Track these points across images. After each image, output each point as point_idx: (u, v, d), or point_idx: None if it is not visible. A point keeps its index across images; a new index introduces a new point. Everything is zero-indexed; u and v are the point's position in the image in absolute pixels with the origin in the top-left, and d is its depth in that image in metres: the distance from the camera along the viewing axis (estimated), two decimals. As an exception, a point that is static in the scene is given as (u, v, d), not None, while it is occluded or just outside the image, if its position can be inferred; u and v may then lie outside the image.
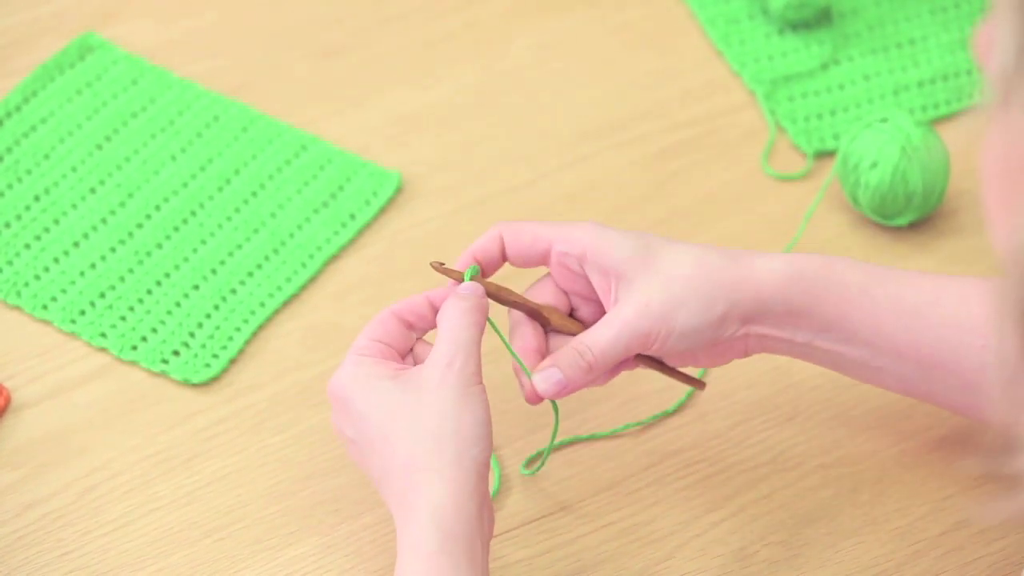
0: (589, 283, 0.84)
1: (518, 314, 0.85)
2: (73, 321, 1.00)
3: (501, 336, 0.84)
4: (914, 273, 0.83)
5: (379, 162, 1.08)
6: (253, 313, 1.01)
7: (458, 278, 0.83)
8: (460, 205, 1.06)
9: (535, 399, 0.83)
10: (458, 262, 0.85)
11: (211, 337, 1.00)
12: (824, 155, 1.09)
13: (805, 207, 1.06)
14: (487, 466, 0.79)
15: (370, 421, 0.80)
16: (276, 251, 1.04)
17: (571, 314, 0.86)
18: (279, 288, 1.02)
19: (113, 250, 1.03)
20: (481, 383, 0.80)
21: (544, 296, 0.86)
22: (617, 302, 0.82)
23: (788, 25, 1.14)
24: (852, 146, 1.03)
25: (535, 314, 0.84)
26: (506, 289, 0.84)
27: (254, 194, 1.06)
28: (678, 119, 1.10)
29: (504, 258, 0.85)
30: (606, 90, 1.12)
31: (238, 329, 1.00)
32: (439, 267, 0.83)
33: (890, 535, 0.91)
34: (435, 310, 0.84)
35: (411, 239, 1.05)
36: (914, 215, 1.03)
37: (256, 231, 1.05)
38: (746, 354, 0.85)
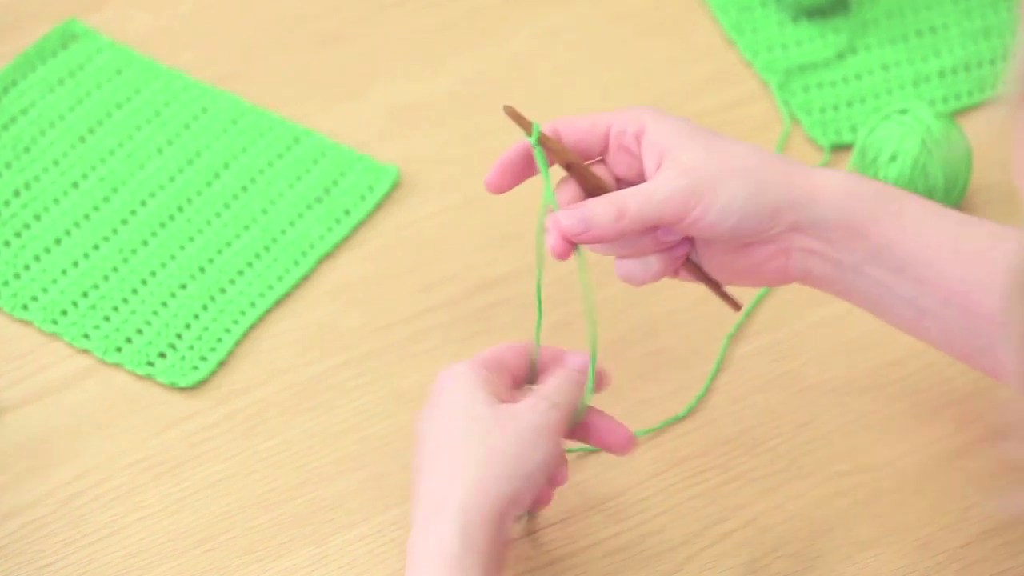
0: (643, 168, 0.84)
1: (570, 182, 0.84)
2: (54, 322, 1.00)
3: (545, 173, 0.82)
4: (974, 218, 0.82)
5: (375, 156, 1.08)
6: (243, 313, 1.01)
7: (526, 126, 0.82)
8: (460, 201, 1.06)
9: (557, 242, 0.81)
10: (496, 165, 0.84)
11: (199, 339, 1.00)
12: (841, 148, 1.09)
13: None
14: (523, 506, 0.81)
15: (441, 423, 0.82)
16: (267, 248, 1.04)
17: None
18: (270, 287, 1.02)
19: (96, 247, 1.03)
20: (562, 440, 0.83)
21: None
22: (657, 173, 0.82)
23: (803, 12, 1.14)
24: (870, 139, 1.03)
25: (593, 184, 0.83)
26: (570, 152, 0.83)
27: (244, 189, 1.06)
28: (687, 110, 1.10)
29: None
30: (612, 80, 1.12)
31: (228, 330, 1.00)
32: (510, 110, 0.82)
33: (910, 547, 0.91)
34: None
35: (409, 236, 1.05)
36: (934, 211, 1.04)
37: (247, 228, 1.05)
38: (785, 277, 0.83)
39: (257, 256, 1.04)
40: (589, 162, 0.84)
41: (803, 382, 0.98)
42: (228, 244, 1.04)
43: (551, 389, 0.84)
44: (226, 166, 1.07)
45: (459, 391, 0.83)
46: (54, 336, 1.00)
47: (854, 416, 0.96)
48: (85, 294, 1.01)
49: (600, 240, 0.82)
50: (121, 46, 1.12)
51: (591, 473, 0.94)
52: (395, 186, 1.07)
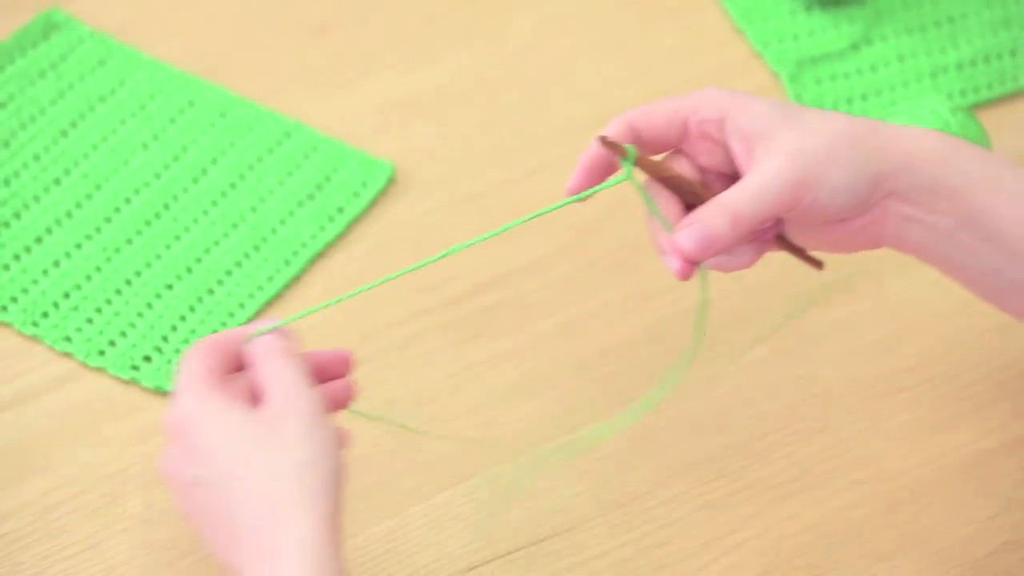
0: (727, 155, 0.83)
1: (660, 193, 0.84)
2: (35, 324, 1.00)
3: (647, 199, 0.83)
4: None
5: (369, 151, 1.08)
6: (232, 315, 1.01)
7: (622, 153, 0.82)
8: (457, 197, 1.06)
9: (682, 266, 0.81)
10: (579, 168, 0.83)
11: (186, 342, 0.99)
12: None
13: (834, 200, 1.05)
14: (341, 503, 0.79)
15: (219, 458, 0.78)
16: (257, 248, 1.04)
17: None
18: (260, 288, 1.02)
19: (79, 246, 1.03)
20: (330, 420, 0.80)
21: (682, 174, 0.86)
22: (760, 160, 0.81)
23: (816, 1, 1.14)
24: None
25: (690, 192, 0.83)
26: (666, 166, 0.83)
27: (233, 185, 1.06)
28: None
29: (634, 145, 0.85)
30: (617, 71, 1.13)
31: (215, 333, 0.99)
32: (606, 141, 0.82)
33: (929, 558, 0.91)
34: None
35: (404, 234, 1.05)
36: (953, 208, 1.03)
37: (235, 226, 1.05)
38: (878, 242, 0.83)
39: (246, 255, 1.04)
40: (666, 153, 0.84)
41: (817, 387, 0.98)
42: (216, 243, 1.04)
43: (278, 382, 0.80)
44: (214, 161, 1.07)
45: (212, 423, 0.79)
46: (34, 339, 1.00)
47: (870, 423, 0.96)
48: (67, 295, 1.01)
49: (722, 252, 0.81)
50: (104, 36, 1.12)
51: (594, 482, 0.94)
52: (390, 182, 1.07)
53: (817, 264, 0.87)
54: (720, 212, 0.80)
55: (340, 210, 1.05)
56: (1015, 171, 0.81)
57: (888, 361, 0.98)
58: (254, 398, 0.81)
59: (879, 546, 0.91)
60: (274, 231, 1.04)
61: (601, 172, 0.83)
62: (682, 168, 0.84)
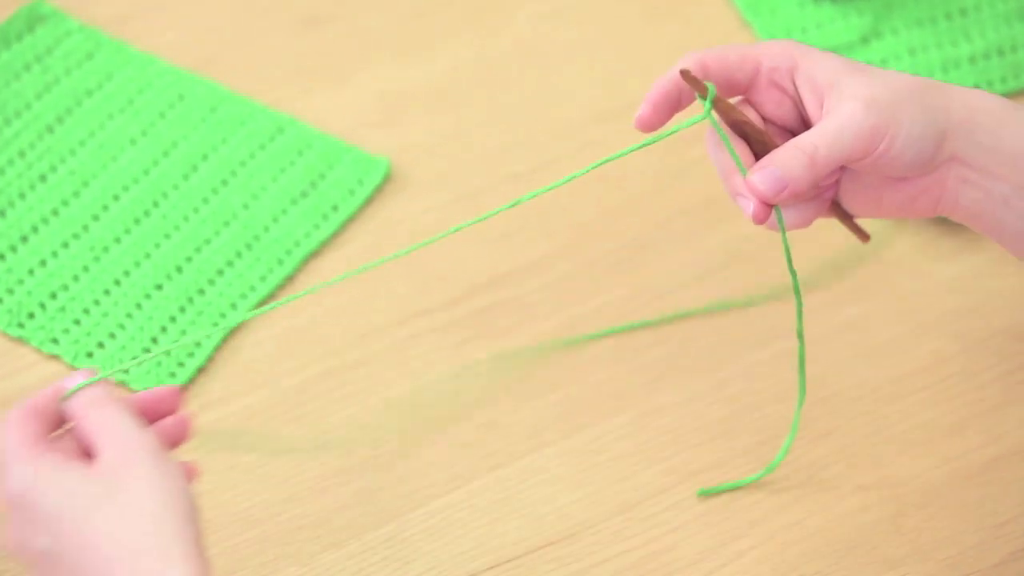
0: (793, 106, 0.84)
1: (731, 136, 0.84)
2: (21, 325, 1.00)
3: (725, 139, 0.83)
4: None
5: (365, 147, 1.08)
6: (223, 316, 1.01)
7: (702, 90, 0.82)
8: (456, 195, 1.06)
9: (757, 208, 0.82)
10: (647, 100, 0.83)
11: (176, 343, 0.97)
12: None
13: (842, 197, 1.05)
14: (200, 536, 0.76)
15: (64, 525, 0.76)
16: (249, 247, 1.04)
17: None
18: (252, 288, 1.02)
19: (65, 245, 1.03)
20: (164, 453, 0.78)
21: None
22: (834, 106, 0.82)
23: None
24: None
25: (762, 140, 0.84)
26: (740, 111, 0.83)
27: (224, 182, 1.06)
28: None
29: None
30: (619, 65, 1.12)
31: (206, 335, 0.98)
32: (687, 74, 0.82)
33: (939, 566, 0.91)
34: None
35: (401, 234, 1.05)
36: (965, 205, 1.02)
37: (226, 224, 1.04)
38: (936, 207, 0.84)
39: (238, 255, 1.03)
40: (734, 100, 0.84)
41: (824, 390, 0.97)
42: (207, 242, 1.04)
43: (104, 430, 0.78)
44: (204, 158, 1.07)
45: (51, 487, 0.76)
46: (20, 341, 1.00)
47: (878, 427, 0.96)
48: (54, 295, 1.01)
49: (797, 196, 0.82)
50: (91, 29, 1.12)
51: (595, 487, 0.94)
52: (386, 179, 1.07)
53: (864, 235, 0.87)
54: (797, 153, 0.80)
55: (335, 208, 1.05)
56: None
57: (897, 363, 0.98)
58: (86, 454, 0.78)
59: (887, 553, 0.91)
60: (267, 230, 1.04)
61: (670, 108, 0.84)
62: (752, 117, 0.84)
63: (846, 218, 0.86)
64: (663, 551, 0.91)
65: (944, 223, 1.04)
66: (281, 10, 1.14)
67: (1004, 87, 1.11)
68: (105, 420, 0.78)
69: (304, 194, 1.05)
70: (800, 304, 0.86)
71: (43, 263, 1.02)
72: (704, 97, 0.82)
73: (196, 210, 1.04)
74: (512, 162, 1.07)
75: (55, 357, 0.98)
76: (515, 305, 1.01)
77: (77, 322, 1.00)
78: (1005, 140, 0.81)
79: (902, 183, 0.82)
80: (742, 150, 0.83)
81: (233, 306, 1.01)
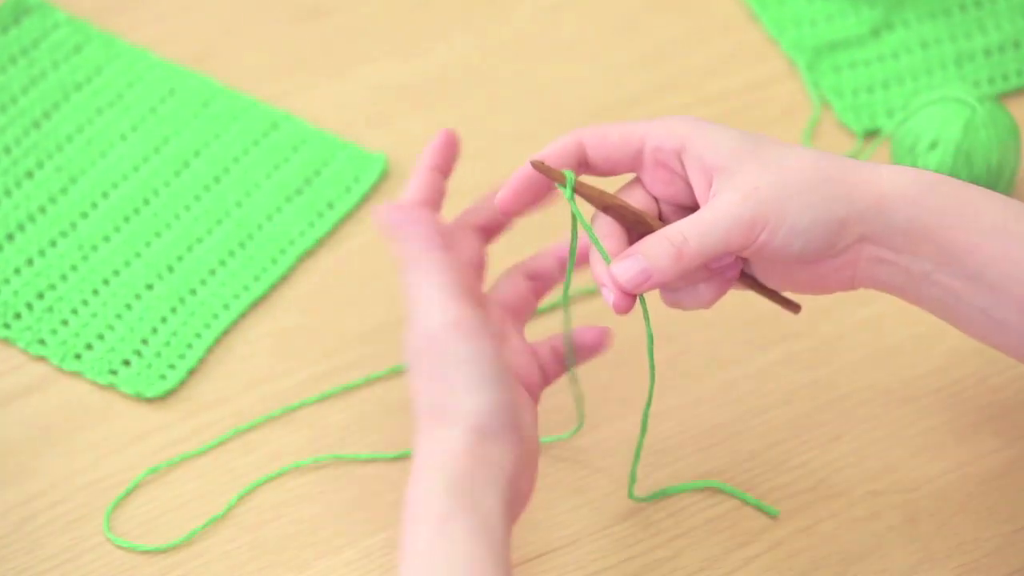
0: (685, 185, 0.83)
1: (604, 222, 0.84)
2: (7, 326, 1.00)
3: (588, 228, 0.83)
4: None
5: (361, 143, 1.08)
6: (216, 317, 1.00)
7: (560, 179, 0.83)
8: (454, 192, 1.03)
9: (617, 298, 0.81)
10: (518, 171, 0.84)
11: (167, 344, 0.99)
12: (875, 134, 1.09)
13: (853, 194, 1.05)
14: (515, 428, 0.79)
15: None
16: (242, 245, 1.03)
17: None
18: (246, 288, 1.02)
19: (53, 244, 1.03)
20: (487, 332, 0.80)
21: (634, 203, 0.85)
22: (716, 194, 0.81)
23: None
24: (908, 124, 1.03)
25: (636, 222, 0.84)
26: (609, 193, 0.83)
27: (217, 179, 1.06)
28: (706, 92, 1.11)
29: (579, 168, 0.85)
30: (624, 58, 1.12)
31: (198, 335, 1.00)
32: (540, 165, 0.83)
33: (953, 574, 0.91)
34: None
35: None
36: (979, 203, 1.02)
37: (219, 222, 1.04)
38: (852, 284, 0.83)
39: (231, 254, 1.03)
40: (620, 193, 0.85)
41: (833, 392, 0.97)
42: (199, 240, 1.04)
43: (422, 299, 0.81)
44: (196, 154, 1.07)
45: (461, 350, 0.80)
46: (6, 342, 0.99)
47: (890, 430, 0.96)
48: (41, 295, 1.01)
49: (664, 287, 0.82)
50: (80, 21, 1.12)
51: (596, 494, 0.94)
52: (383, 176, 1.07)
53: (793, 307, 0.87)
54: (665, 243, 0.80)
55: (330, 205, 1.05)
56: (995, 204, 0.81)
57: (907, 366, 0.98)
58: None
59: (899, 560, 0.91)
60: (260, 228, 1.04)
61: (534, 193, 0.84)
62: (636, 198, 0.84)
63: (767, 292, 0.86)
64: (667, 559, 0.91)
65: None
66: (276, 2, 1.14)
67: (1021, 80, 1.11)
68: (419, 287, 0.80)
69: (299, 191, 1.05)
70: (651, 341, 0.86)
71: (30, 262, 1.02)
72: (563, 185, 0.82)
73: (188, 208, 1.04)
74: (513, 159, 1.04)
75: (42, 359, 0.98)
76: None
77: (65, 323, 0.99)
78: (920, 219, 0.80)
79: (810, 264, 0.82)
80: (619, 234, 0.83)
81: (226, 306, 1.00)
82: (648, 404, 0.87)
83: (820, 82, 1.11)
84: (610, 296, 0.81)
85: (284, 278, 1.02)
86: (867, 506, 0.92)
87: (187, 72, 1.10)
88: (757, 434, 0.95)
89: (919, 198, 0.80)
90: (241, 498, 0.93)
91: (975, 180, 1.01)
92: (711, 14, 1.14)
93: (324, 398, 0.97)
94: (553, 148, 0.83)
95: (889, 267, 0.81)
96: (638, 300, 0.82)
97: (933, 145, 1.01)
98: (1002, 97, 1.10)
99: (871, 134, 1.09)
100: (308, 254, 1.03)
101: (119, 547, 0.91)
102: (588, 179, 0.85)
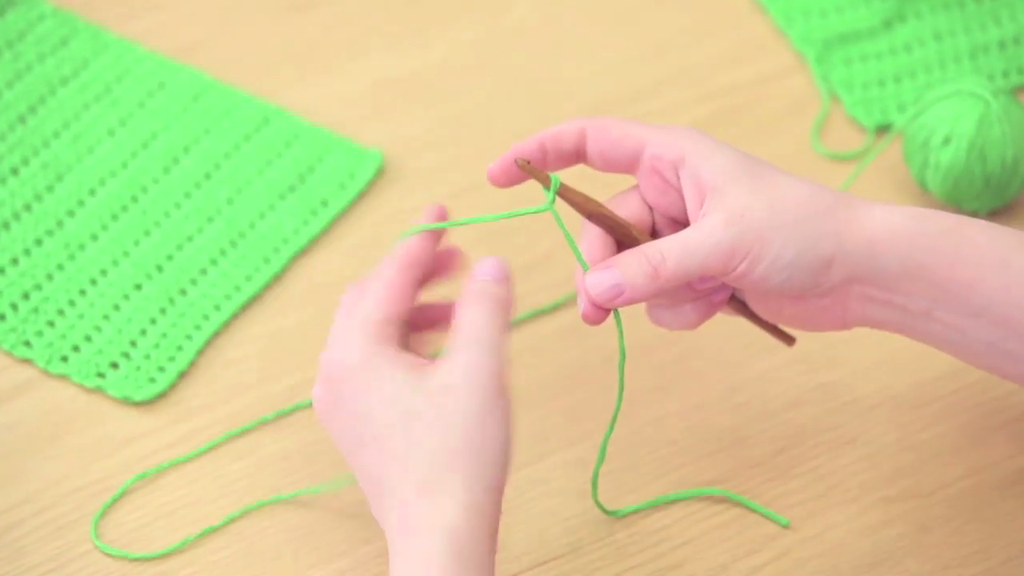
0: (679, 198, 0.83)
1: (592, 228, 0.84)
2: None
3: (567, 234, 0.83)
4: None
5: (356, 138, 1.08)
6: (206, 318, 1.00)
7: (545, 181, 0.82)
8: (452, 190, 1.06)
9: (587, 309, 0.82)
10: (519, 149, 0.84)
11: (156, 347, 0.99)
12: (886, 130, 1.09)
13: (862, 191, 1.05)
14: (502, 490, 0.79)
15: (374, 422, 0.79)
16: (234, 244, 1.03)
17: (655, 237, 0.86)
18: (237, 288, 1.02)
19: (39, 243, 1.03)
20: (508, 395, 0.80)
21: (627, 211, 0.85)
22: (704, 215, 0.81)
23: None
24: (921, 119, 1.03)
25: (622, 232, 0.83)
26: (594, 201, 0.83)
27: (207, 176, 1.06)
28: (713, 86, 1.11)
29: (578, 157, 0.84)
30: (628, 51, 1.13)
31: (188, 337, 0.99)
32: (525, 166, 0.83)
33: None
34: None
35: (394, 230, 1.03)
36: (994, 200, 1.03)
37: (210, 220, 1.04)
38: (844, 324, 0.83)
39: (222, 253, 1.03)
40: (617, 198, 0.84)
41: (843, 397, 0.97)
42: (189, 239, 1.03)
43: (465, 338, 0.80)
44: (186, 150, 1.07)
45: (374, 382, 0.80)
46: None
47: (901, 435, 0.95)
48: (26, 296, 1.01)
49: (635, 303, 0.81)
50: (66, 13, 1.12)
51: (602, 499, 0.93)
52: (379, 173, 1.07)
53: (787, 339, 0.87)
54: (640, 262, 0.80)
55: (324, 203, 1.05)
56: (992, 237, 0.81)
57: (919, 369, 0.98)
58: (433, 323, 0.85)
59: (912, 568, 0.91)
60: (252, 226, 1.04)
61: (523, 176, 0.84)
62: (632, 204, 0.84)
63: (759, 321, 0.86)
64: (672, 567, 0.91)
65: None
66: (268, -6, 1.13)
67: (1035, 74, 1.07)
68: (474, 323, 0.80)
69: (292, 188, 1.05)
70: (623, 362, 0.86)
71: (14, 262, 1.01)
72: (548, 188, 0.82)
73: (178, 205, 1.04)
74: (513, 155, 1.08)
75: (27, 361, 0.98)
76: (515, 305, 1.01)
77: (51, 324, 0.99)
78: (915, 259, 0.80)
79: (797, 300, 0.82)
80: (603, 242, 0.83)
81: (217, 307, 1.00)
82: (614, 419, 0.87)
83: (830, 75, 1.11)
84: (581, 305, 0.82)
85: (277, 278, 1.02)
86: (878, 513, 0.92)
87: (177, 65, 1.10)
88: (765, 439, 0.95)
89: (914, 237, 0.80)
90: (234, 504, 0.93)
91: (988, 177, 1.01)
92: (717, 5, 1.14)
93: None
94: (554, 130, 0.83)
95: (883, 306, 0.82)
96: (612, 314, 0.82)
97: (946, 140, 1.01)
98: (1017, 91, 1.10)
99: (882, 129, 1.09)
100: (301, 253, 1.03)
101: (107, 555, 0.91)
102: (591, 182, 0.85)
